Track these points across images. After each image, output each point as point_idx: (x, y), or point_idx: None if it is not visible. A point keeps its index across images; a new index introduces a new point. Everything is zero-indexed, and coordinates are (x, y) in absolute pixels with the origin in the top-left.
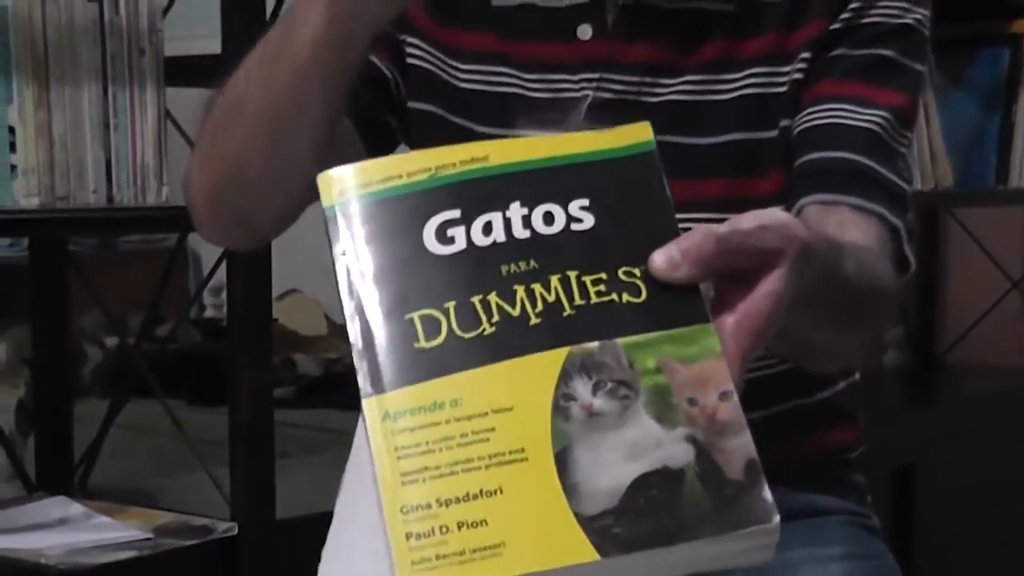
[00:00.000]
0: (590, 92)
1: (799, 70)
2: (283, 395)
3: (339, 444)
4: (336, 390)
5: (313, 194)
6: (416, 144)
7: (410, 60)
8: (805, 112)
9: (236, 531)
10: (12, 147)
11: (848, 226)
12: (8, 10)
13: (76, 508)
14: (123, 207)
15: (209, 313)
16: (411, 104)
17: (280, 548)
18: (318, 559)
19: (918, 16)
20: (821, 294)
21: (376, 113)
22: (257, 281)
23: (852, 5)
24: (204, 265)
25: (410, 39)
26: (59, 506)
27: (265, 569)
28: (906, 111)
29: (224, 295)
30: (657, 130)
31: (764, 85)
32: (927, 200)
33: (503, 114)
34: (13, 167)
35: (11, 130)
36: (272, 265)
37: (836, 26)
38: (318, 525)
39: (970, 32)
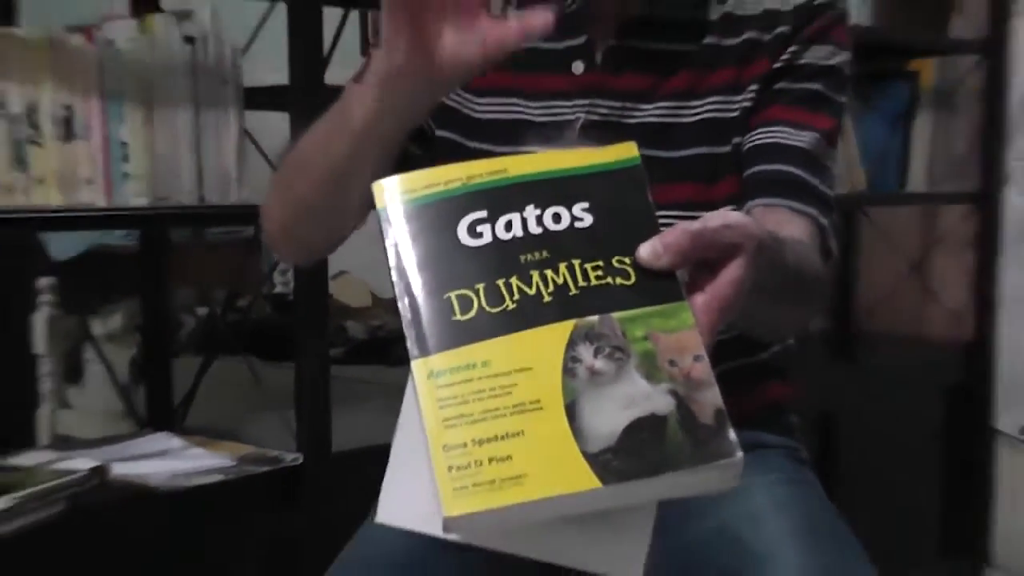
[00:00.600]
0: (582, 115)
1: (749, 99)
2: (336, 354)
3: (382, 393)
4: (379, 350)
5: (361, 223)
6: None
7: None
8: (753, 132)
9: (301, 460)
10: (125, 158)
11: (786, 224)
12: (123, 51)
13: (176, 442)
14: (211, 205)
15: (278, 289)
16: (437, 133)
17: (335, 474)
18: (366, 483)
19: (841, 59)
20: (769, 279)
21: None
22: (316, 265)
23: (791, 49)
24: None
25: None
26: (163, 440)
27: (323, 491)
28: (832, 133)
29: (290, 275)
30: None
31: (721, 110)
32: (845, 202)
33: (513, 135)
34: (126, 174)
35: (124, 144)
36: None
37: (778, 65)
38: (366, 456)
39: (879, 69)
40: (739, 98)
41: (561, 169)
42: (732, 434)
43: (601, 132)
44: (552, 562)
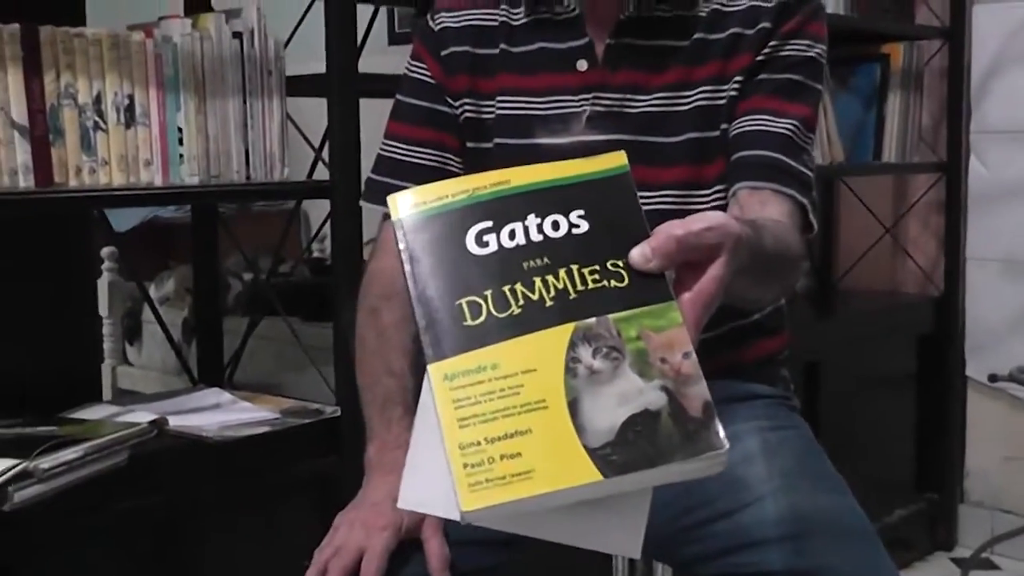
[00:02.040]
0: (588, 107)
1: (735, 89)
2: None
3: None
4: None
5: None
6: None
7: (464, 116)
8: (738, 119)
9: (339, 413)
10: (180, 141)
11: (768, 204)
12: (178, 46)
13: (226, 396)
14: (257, 182)
15: (316, 255)
16: (468, 145)
17: None
18: None
19: (818, 50)
20: (749, 265)
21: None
22: (351, 233)
23: (771, 43)
24: (313, 222)
25: (461, 101)
26: (214, 395)
27: (360, 440)
28: (810, 119)
29: (328, 243)
30: (636, 133)
31: (710, 99)
32: (825, 172)
33: (525, 129)
34: (181, 155)
35: (180, 129)
36: (362, 221)
37: (760, 58)
38: None
39: (854, 52)
40: (725, 88)
41: (558, 179)
42: (719, 426)
43: (605, 121)
44: (559, 542)
